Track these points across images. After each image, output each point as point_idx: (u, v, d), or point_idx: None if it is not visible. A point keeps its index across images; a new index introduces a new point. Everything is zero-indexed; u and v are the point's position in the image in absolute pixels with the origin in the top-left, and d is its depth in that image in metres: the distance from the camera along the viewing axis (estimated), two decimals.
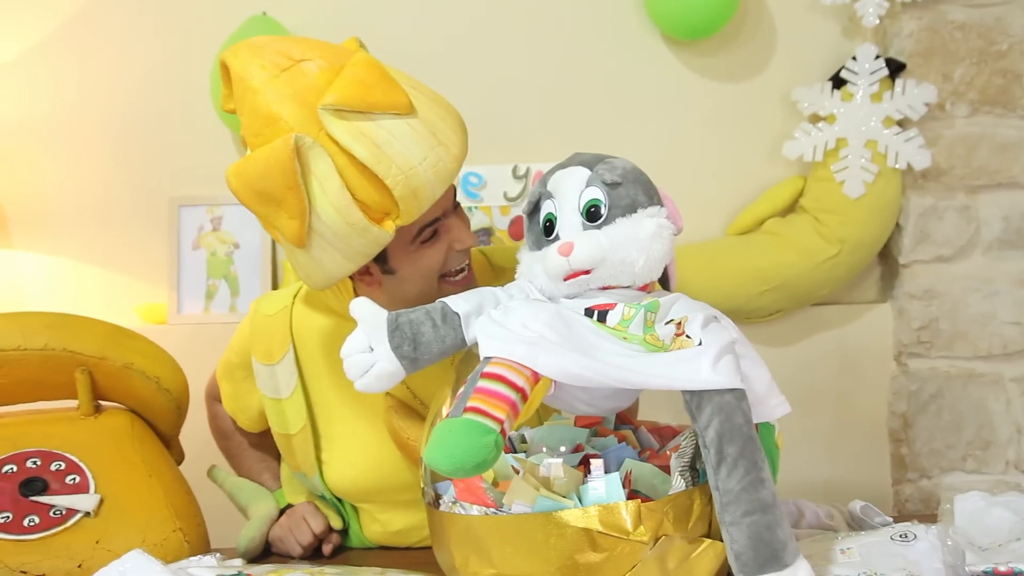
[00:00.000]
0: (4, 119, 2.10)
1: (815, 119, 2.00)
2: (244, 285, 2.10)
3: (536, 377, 0.89)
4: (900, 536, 1.00)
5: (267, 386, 1.32)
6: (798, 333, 2.11)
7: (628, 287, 1.04)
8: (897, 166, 1.95)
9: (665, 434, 1.17)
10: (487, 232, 2.09)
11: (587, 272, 1.01)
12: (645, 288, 1.06)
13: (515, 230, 2.07)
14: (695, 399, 0.91)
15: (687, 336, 0.95)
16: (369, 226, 1.07)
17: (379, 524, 1.35)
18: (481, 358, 0.91)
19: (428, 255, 1.19)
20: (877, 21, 1.95)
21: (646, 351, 0.95)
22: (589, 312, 1.00)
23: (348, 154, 1.05)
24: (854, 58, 1.96)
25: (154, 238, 2.12)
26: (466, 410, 0.85)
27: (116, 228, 2.13)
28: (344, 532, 1.39)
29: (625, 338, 0.96)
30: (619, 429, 1.17)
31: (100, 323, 1.33)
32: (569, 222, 1.06)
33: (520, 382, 0.87)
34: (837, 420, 2.11)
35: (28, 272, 2.13)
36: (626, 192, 1.05)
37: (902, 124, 1.96)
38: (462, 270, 1.23)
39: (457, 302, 1.05)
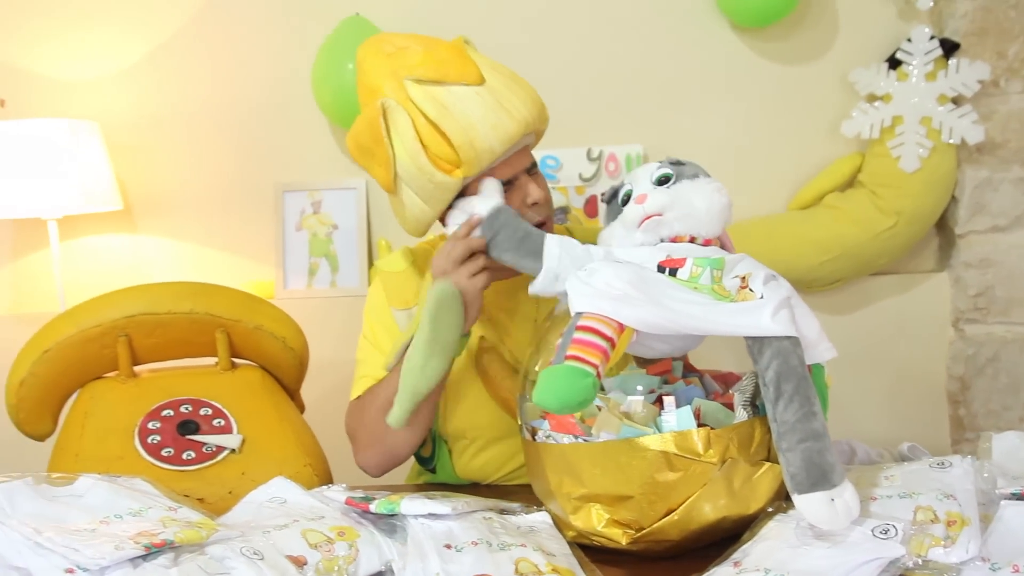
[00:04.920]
0: (128, 116, 2.34)
1: (872, 98, 2.12)
2: (343, 263, 2.30)
3: (621, 327, 1.05)
4: (938, 464, 1.14)
5: (409, 329, 1.40)
6: (858, 302, 2.23)
7: (694, 240, 1.20)
8: (951, 141, 2.06)
9: (728, 380, 1.33)
10: (564, 210, 2.26)
11: (659, 215, 1.20)
12: (709, 243, 1.22)
13: (590, 208, 2.25)
14: (756, 344, 1.07)
15: (750, 289, 1.10)
16: (435, 172, 1.27)
17: (468, 456, 1.50)
18: (572, 313, 1.08)
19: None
20: (931, 3, 2.06)
21: (714, 299, 1.11)
22: (662, 268, 1.16)
23: (422, 113, 1.27)
24: (909, 39, 2.07)
25: (261, 221, 2.34)
26: (567, 358, 1.02)
27: (228, 212, 2.35)
28: (432, 470, 1.55)
29: (696, 288, 1.12)
30: (686, 376, 1.32)
31: (235, 291, 1.54)
32: (643, 189, 1.24)
33: (609, 332, 1.03)
34: (897, 384, 2.23)
35: (149, 255, 2.36)
36: (690, 168, 1.26)
37: (956, 101, 2.07)
38: (540, 224, 1.36)
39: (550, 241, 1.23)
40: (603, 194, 1.33)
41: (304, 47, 2.23)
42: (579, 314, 1.07)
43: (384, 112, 1.27)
